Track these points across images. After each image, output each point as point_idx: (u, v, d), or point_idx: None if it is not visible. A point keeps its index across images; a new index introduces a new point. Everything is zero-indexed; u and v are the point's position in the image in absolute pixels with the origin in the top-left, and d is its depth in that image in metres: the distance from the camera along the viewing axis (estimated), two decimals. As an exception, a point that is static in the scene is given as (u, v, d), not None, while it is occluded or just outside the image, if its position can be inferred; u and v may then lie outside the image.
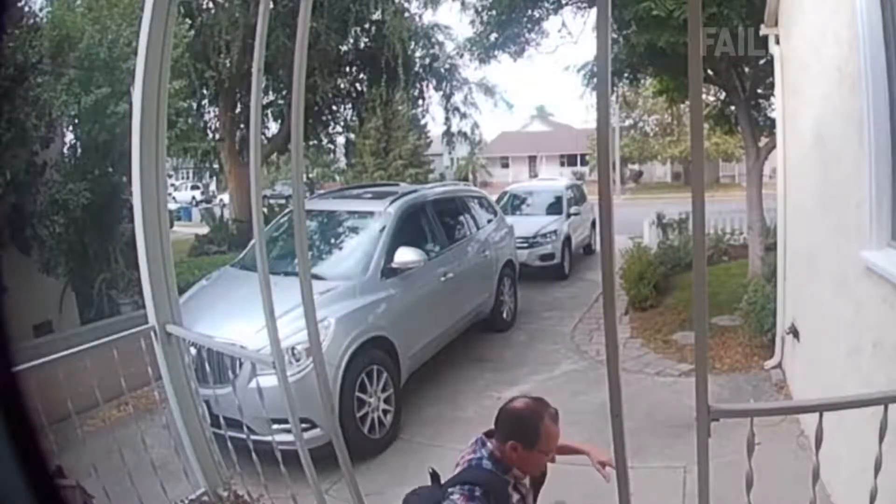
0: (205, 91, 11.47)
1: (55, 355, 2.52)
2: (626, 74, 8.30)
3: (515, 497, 2.10)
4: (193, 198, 26.17)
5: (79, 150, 7.05)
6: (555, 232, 10.01)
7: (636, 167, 33.57)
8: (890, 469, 1.66)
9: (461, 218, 6.73)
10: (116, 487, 2.64)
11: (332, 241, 5.68)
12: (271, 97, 12.19)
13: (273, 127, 13.05)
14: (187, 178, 26.08)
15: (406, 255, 5.08)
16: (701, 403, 1.55)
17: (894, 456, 1.69)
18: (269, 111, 12.47)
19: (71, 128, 7.05)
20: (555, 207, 11.05)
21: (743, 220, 9.20)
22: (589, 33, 8.68)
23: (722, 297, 6.82)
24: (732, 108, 8.14)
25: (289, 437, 2.48)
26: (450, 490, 1.97)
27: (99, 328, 5.54)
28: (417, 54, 13.06)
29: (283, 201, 16.22)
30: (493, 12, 8.47)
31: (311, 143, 14.01)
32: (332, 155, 19.68)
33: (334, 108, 13.82)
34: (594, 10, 3.08)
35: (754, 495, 1.72)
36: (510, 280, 7.31)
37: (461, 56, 12.43)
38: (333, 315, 4.28)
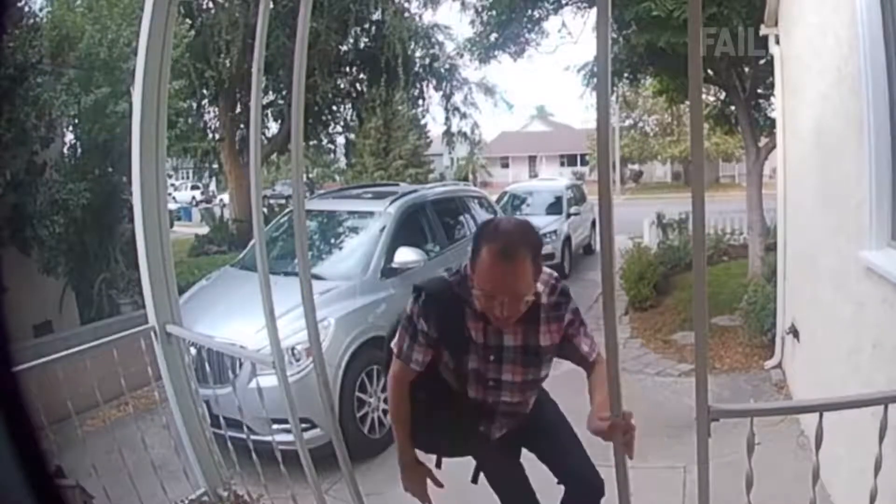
0: (205, 91, 11.46)
1: (55, 355, 2.51)
2: (626, 74, 8.31)
3: (473, 324, 1.90)
4: (193, 198, 26.15)
5: (79, 150, 7.05)
6: (555, 232, 10.02)
7: (636, 167, 33.56)
8: (890, 469, 1.66)
9: (461, 218, 6.73)
10: (116, 487, 2.64)
11: (332, 241, 5.68)
12: (271, 97, 12.18)
13: (273, 127, 13.05)
14: (187, 178, 26.03)
15: (406, 255, 5.08)
16: (701, 403, 1.55)
17: (894, 456, 1.69)
18: (269, 111, 12.46)
19: (71, 128, 7.04)
20: (555, 207, 11.06)
21: (743, 220, 9.21)
22: (589, 33, 8.68)
23: (722, 297, 6.82)
24: (732, 108, 8.15)
25: (289, 437, 2.48)
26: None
27: (99, 328, 5.54)
28: (417, 54, 13.05)
29: (283, 201, 16.22)
30: (493, 12, 8.48)
31: (311, 143, 14.01)
32: (332, 155, 19.65)
33: (334, 108, 13.81)
34: (594, 10, 3.08)
35: (754, 495, 1.72)
36: (510, 280, 7.30)
37: (461, 56, 12.45)
38: (333, 315, 4.28)
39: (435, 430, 2.05)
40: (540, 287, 1.88)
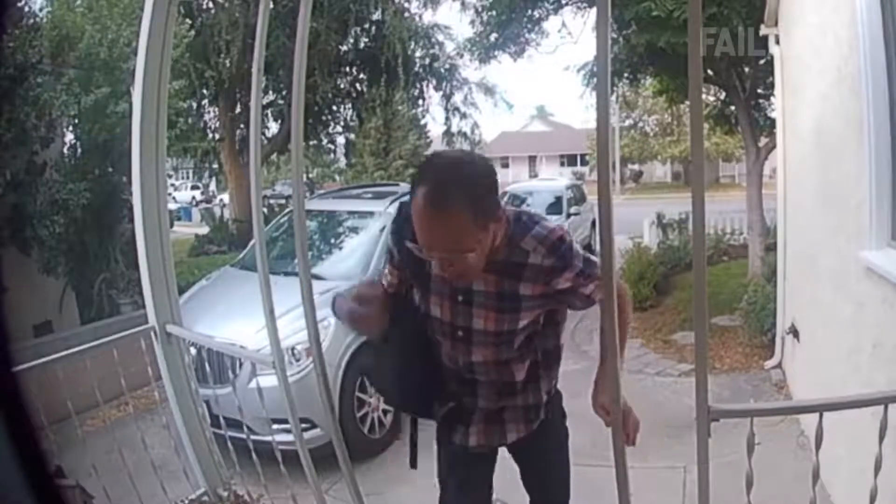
0: (205, 91, 11.46)
1: (55, 355, 2.51)
2: (626, 74, 8.32)
3: (434, 269, 1.58)
4: (193, 198, 26.13)
5: (79, 150, 7.06)
6: (555, 232, 10.01)
7: (636, 167, 33.55)
8: (890, 469, 1.66)
9: (461, 218, 6.72)
10: (116, 487, 2.64)
11: (332, 241, 5.68)
12: (271, 97, 12.19)
13: (273, 127, 13.05)
14: (187, 178, 26.02)
15: (406, 255, 5.08)
16: (701, 403, 1.55)
17: (894, 456, 1.69)
18: (269, 111, 12.47)
19: (71, 128, 7.05)
20: (555, 207, 11.07)
21: (743, 220, 9.21)
22: (589, 33, 8.69)
23: (722, 297, 6.83)
24: (732, 108, 8.15)
25: (289, 437, 2.48)
26: None
27: (99, 328, 5.54)
28: (417, 54, 13.06)
29: (283, 201, 16.20)
30: (493, 12, 8.50)
31: (311, 143, 14.01)
32: (332, 155, 19.66)
33: (334, 108, 13.82)
34: (594, 10, 3.08)
35: (754, 495, 1.72)
36: (510, 280, 7.30)
37: (461, 56, 12.47)
38: (333, 315, 4.28)
39: (397, 369, 1.78)
40: (531, 244, 1.57)
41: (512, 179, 29.08)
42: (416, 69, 13.16)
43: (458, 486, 1.91)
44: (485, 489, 1.94)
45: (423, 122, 26.24)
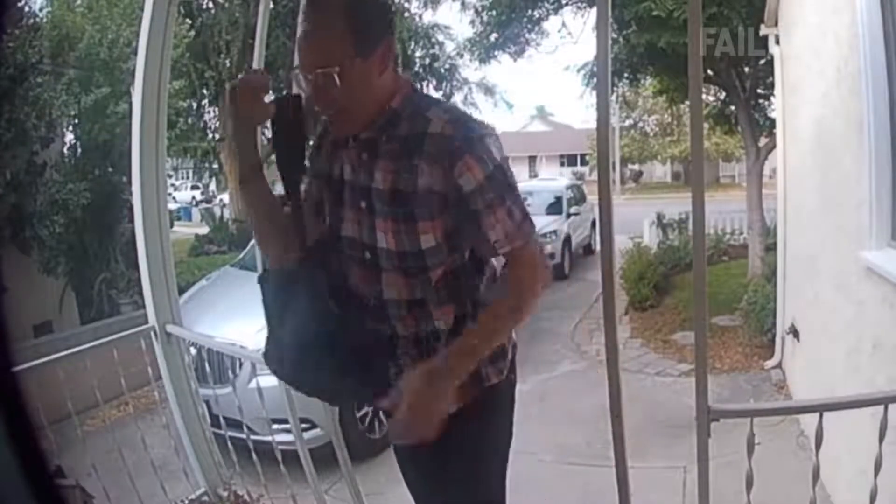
0: (205, 91, 11.47)
1: (55, 355, 2.51)
2: (626, 74, 8.34)
3: (345, 150, 1.46)
4: (193, 198, 26.08)
5: (79, 150, 7.08)
6: (555, 232, 10.01)
7: (636, 167, 33.53)
8: (890, 469, 1.66)
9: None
10: (116, 487, 2.64)
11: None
12: (271, 97, 12.19)
13: (273, 127, 13.05)
14: (187, 178, 25.98)
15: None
16: (701, 403, 1.55)
17: (894, 456, 1.69)
18: (269, 111, 12.47)
19: (71, 128, 7.07)
20: (555, 207, 11.05)
21: (743, 220, 9.21)
22: (589, 33, 8.70)
23: (722, 297, 6.83)
24: (732, 108, 8.16)
25: (289, 437, 2.48)
26: None
27: (99, 328, 5.55)
28: (417, 54, 13.08)
29: (282, 201, 16.20)
30: (493, 12, 8.51)
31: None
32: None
33: (335, 107, 13.84)
34: (594, 10, 3.08)
35: (754, 495, 1.72)
36: (510, 280, 7.30)
37: (461, 56, 12.48)
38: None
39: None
40: (436, 112, 1.35)
41: (512, 179, 29.07)
42: (416, 69, 13.16)
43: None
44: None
45: (422, 121, 26.25)
